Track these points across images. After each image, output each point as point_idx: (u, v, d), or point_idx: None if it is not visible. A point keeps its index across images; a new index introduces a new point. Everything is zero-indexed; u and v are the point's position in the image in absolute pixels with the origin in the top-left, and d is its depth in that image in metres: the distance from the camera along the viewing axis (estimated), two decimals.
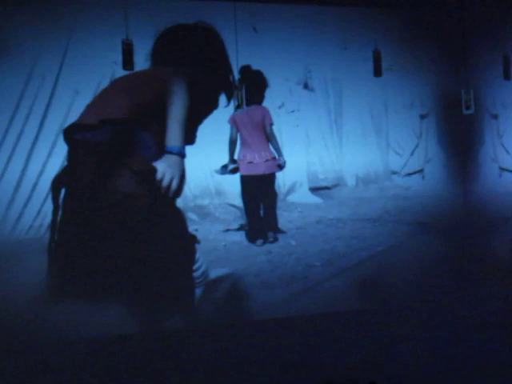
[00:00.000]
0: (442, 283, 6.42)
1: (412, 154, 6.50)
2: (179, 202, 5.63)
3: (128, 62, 5.50)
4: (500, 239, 6.77)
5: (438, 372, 6.34)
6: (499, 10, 6.77)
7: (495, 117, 6.75)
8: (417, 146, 6.51)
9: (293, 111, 6.14)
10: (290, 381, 5.89)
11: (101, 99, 5.20)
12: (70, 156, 4.93)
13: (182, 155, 5.23)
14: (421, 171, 6.53)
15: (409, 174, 6.50)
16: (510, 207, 6.78)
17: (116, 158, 4.99)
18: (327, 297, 6.18)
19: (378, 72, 6.51)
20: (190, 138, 5.39)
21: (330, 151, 6.28)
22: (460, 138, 6.63)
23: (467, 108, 6.68)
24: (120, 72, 5.47)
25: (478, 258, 6.65)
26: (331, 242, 6.20)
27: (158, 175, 5.03)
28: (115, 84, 5.33)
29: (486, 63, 6.75)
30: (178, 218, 5.40)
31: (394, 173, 6.46)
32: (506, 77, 6.99)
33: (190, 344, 5.59)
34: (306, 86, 6.19)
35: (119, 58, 5.50)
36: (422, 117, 6.53)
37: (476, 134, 6.70)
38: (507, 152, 6.79)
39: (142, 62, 5.53)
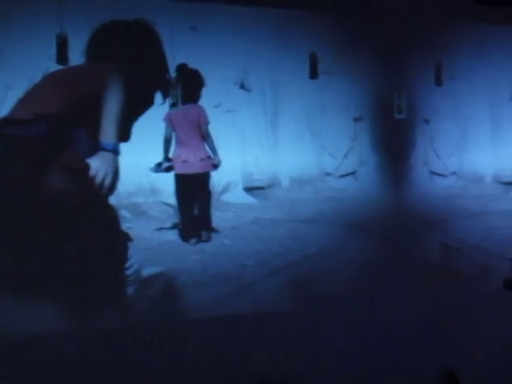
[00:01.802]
0: (374, 285, 6.52)
1: (346, 156, 6.58)
2: (112, 200, 5.57)
3: (62, 57, 5.43)
4: (430, 241, 6.92)
5: (369, 373, 6.45)
6: (433, 17, 6.92)
7: (427, 122, 6.89)
8: (351, 148, 6.59)
9: (229, 111, 6.14)
10: (222, 381, 5.90)
11: (34, 94, 5.12)
12: (1, 151, 4.85)
13: (117, 152, 5.19)
14: (354, 173, 6.61)
15: (343, 176, 6.57)
16: (439, 210, 6.93)
17: (49, 153, 4.93)
18: (261, 297, 6.20)
19: (314, 74, 6.58)
20: (124, 135, 5.36)
21: (266, 152, 6.30)
22: (393, 141, 6.75)
23: (399, 112, 6.82)
24: (54, 67, 5.40)
25: (409, 259, 6.78)
26: (265, 242, 6.22)
27: (92, 172, 4.99)
28: (49, 78, 5.26)
29: (418, 68, 6.88)
30: (111, 215, 5.35)
31: (328, 174, 6.52)
32: (438, 82, 7.17)
33: (119, 343, 5.54)
34: (242, 86, 6.20)
35: (53, 52, 5.43)
36: (357, 120, 6.62)
37: (408, 137, 6.82)
38: (438, 156, 6.94)
39: (76, 57, 5.46)
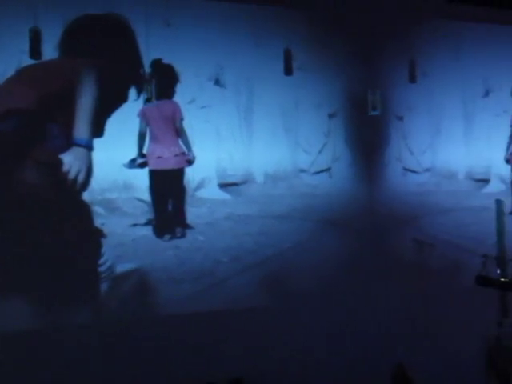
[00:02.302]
0: (348, 280, 6.55)
1: (320, 152, 6.60)
2: (86, 196, 5.55)
3: (35, 51, 5.38)
4: (403, 237, 6.98)
5: (342, 367, 6.49)
6: (407, 15, 6.96)
7: (400, 118, 6.94)
8: (325, 144, 6.61)
9: (203, 107, 6.13)
10: (196, 377, 5.90)
11: (6, 88, 5.09)
12: None
13: (90, 148, 5.18)
14: (328, 170, 6.64)
15: (317, 173, 6.59)
16: (412, 207, 6.99)
17: (21, 148, 4.90)
18: (234, 293, 6.20)
19: (288, 71, 6.59)
20: (98, 130, 5.34)
21: (240, 148, 6.30)
22: (366, 138, 6.78)
23: (373, 109, 6.86)
24: (27, 61, 5.33)
25: (382, 255, 6.83)
26: (239, 238, 6.22)
27: (65, 167, 4.97)
28: (22, 73, 5.22)
29: (392, 66, 6.92)
30: (84, 211, 5.33)
31: (303, 171, 6.54)
32: (412, 80, 7.22)
33: (93, 339, 5.52)
34: (217, 82, 6.19)
35: (27, 46, 5.37)
36: (331, 116, 6.64)
37: (382, 134, 6.87)
38: (411, 153, 6.99)
39: (50, 52, 5.40)
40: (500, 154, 7.52)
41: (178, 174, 6.03)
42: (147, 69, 5.83)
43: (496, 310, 6.16)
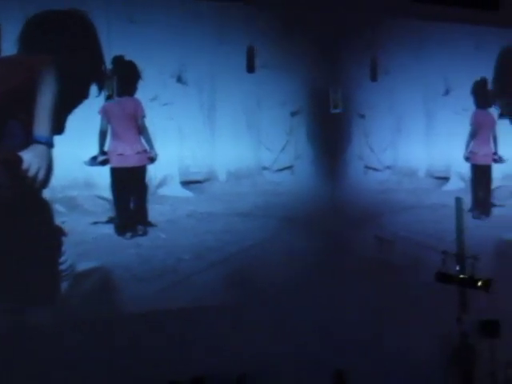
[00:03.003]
0: (310, 277, 6.59)
1: (283, 150, 6.62)
2: (46, 193, 5.50)
3: None
4: (365, 234, 7.04)
5: (302, 364, 6.53)
6: (369, 14, 7.01)
7: (362, 116, 6.99)
8: (287, 142, 6.64)
9: (166, 104, 6.11)
10: (158, 375, 5.88)
11: None
12: None
13: (50, 145, 5.13)
14: (291, 167, 6.66)
15: (279, 170, 6.61)
16: (373, 204, 7.05)
17: None
18: (197, 291, 6.20)
19: (251, 68, 6.60)
20: (58, 127, 5.29)
21: (203, 145, 6.29)
22: (328, 135, 6.82)
23: (335, 107, 6.90)
24: None
25: (344, 252, 6.87)
26: (201, 236, 6.22)
27: (24, 165, 4.92)
28: None
29: (354, 64, 6.97)
30: (44, 209, 5.28)
31: (265, 168, 6.55)
32: (373, 78, 7.27)
33: (53, 338, 5.48)
34: (179, 80, 6.17)
35: None
36: (293, 114, 6.67)
37: (344, 132, 6.91)
38: (372, 151, 7.05)
39: (10, 47, 5.33)
40: (460, 152, 7.63)
41: (140, 171, 6.01)
42: (109, 65, 5.80)
43: (455, 306, 6.28)
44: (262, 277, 6.47)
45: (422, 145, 7.37)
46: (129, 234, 5.94)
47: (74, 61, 5.31)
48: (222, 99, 6.41)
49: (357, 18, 6.96)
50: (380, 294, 6.87)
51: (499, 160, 7.89)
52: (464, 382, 6.92)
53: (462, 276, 5.58)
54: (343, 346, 6.58)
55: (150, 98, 6.02)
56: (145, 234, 6.01)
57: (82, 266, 5.73)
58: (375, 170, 7.09)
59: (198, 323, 6.11)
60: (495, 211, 7.83)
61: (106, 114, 5.84)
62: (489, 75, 7.82)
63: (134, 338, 5.83)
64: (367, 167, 7.03)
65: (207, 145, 6.33)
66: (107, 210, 5.87)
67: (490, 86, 7.81)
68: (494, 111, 7.86)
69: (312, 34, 6.75)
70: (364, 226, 6.99)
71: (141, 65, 5.97)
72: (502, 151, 7.88)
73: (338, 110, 6.80)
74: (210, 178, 6.32)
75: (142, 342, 5.86)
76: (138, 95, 5.98)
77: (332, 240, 6.80)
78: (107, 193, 5.84)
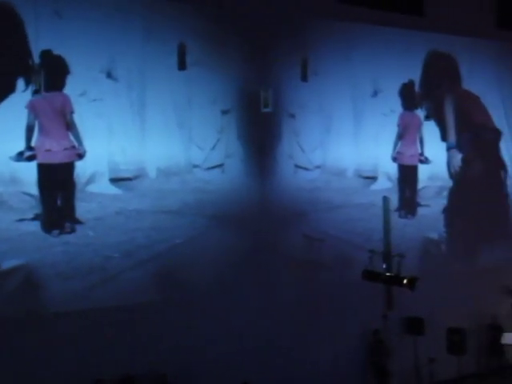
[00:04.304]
0: (239, 275, 6.61)
1: (213, 148, 6.63)
2: None
3: None
4: (294, 233, 7.10)
5: (234, 360, 6.55)
6: (299, 15, 7.08)
7: (292, 116, 7.06)
8: (218, 140, 6.65)
9: (95, 100, 6.03)
10: (85, 374, 5.81)
11: None
12: None
13: None
14: (221, 166, 6.67)
15: (209, 168, 6.62)
16: (303, 202, 7.12)
17: None
18: (126, 289, 6.15)
19: (182, 65, 6.57)
20: None
21: (133, 142, 6.24)
22: (259, 134, 6.86)
23: (266, 106, 6.94)
24: None
25: (274, 250, 6.92)
26: (130, 233, 6.18)
27: None
28: None
29: (285, 64, 7.03)
30: None
31: (196, 166, 6.55)
32: (304, 78, 7.34)
33: None
34: (109, 75, 6.11)
35: None
36: (224, 112, 6.68)
37: (274, 131, 6.97)
38: (302, 150, 7.12)
39: None
40: (387, 153, 7.79)
41: (68, 167, 5.92)
42: (36, 59, 5.70)
43: (382, 303, 6.40)
44: (191, 274, 6.47)
45: (351, 145, 7.48)
46: (56, 232, 5.86)
47: (0, 54, 5.19)
48: (153, 96, 6.37)
49: (288, 19, 7.02)
50: (308, 292, 6.96)
51: (425, 161, 8.11)
52: (379, 376, 7.07)
53: (388, 274, 5.67)
54: (263, 346, 6.66)
55: (79, 94, 5.94)
56: (72, 231, 5.93)
57: (7, 263, 5.64)
58: (305, 169, 7.16)
59: (126, 322, 6.07)
60: (421, 211, 8.05)
61: (33, 109, 5.73)
62: (416, 78, 8.04)
63: (59, 337, 5.77)
64: (297, 166, 7.10)
65: (137, 142, 6.29)
66: (33, 207, 5.77)
67: (416, 88, 8.03)
68: (420, 113, 8.07)
69: (243, 33, 6.78)
70: (293, 225, 7.06)
71: (69, 59, 5.89)
72: (428, 152, 8.12)
73: (268, 110, 6.85)
74: (139, 175, 6.27)
75: (67, 341, 5.79)
76: (67, 90, 5.89)
77: (261, 238, 6.85)
78: (34, 189, 5.74)
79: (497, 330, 8.04)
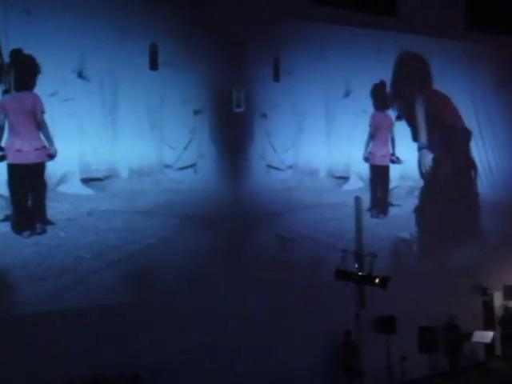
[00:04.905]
0: (211, 275, 6.60)
1: (185, 148, 6.62)
2: None
3: None
4: (266, 232, 7.11)
5: (203, 361, 6.55)
6: (272, 15, 7.09)
7: (264, 116, 7.07)
8: (190, 140, 6.64)
9: (66, 100, 6.00)
10: (56, 375, 5.77)
11: None
12: None
13: None
14: (193, 166, 6.67)
15: (182, 168, 6.61)
16: (275, 203, 7.14)
17: None
18: (97, 289, 6.12)
19: (154, 65, 6.56)
20: None
21: (104, 142, 6.21)
22: (231, 134, 6.87)
23: (238, 106, 6.95)
24: None
25: (246, 250, 6.93)
26: (102, 234, 6.15)
27: None
28: None
29: (257, 64, 7.04)
30: None
31: (168, 166, 6.54)
32: (276, 78, 7.36)
33: None
34: (80, 75, 6.08)
35: None
36: (196, 112, 6.68)
37: (246, 131, 6.98)
38: (275, 150, 7.13)
39: None
40: (359, 153, 7.83)
41: (39, 168, 5.89)
42: (6, 59, 5.66)
43: (354, 302, 6.43)
44: (163, 275, 6.46)
45: (323, 145, 7.51)
46: (27, 233, 5.82)
47: None
48: (125, 96, 6.35)
49: (260, 19, 7.03)
50: (281, 291, 6.96)
51: (396, 161, 8.17)
52: (349, 376, 7.11)
53: (360, 273, 5.71)
54: (235, 346, 6.66)
55: (50, 94, 5.91)
56: (43, 232, 5.90)
57: None
58: (277, 169, 7.18)
59: (98, 322, 6.05)
60: (392, 210, 8.11)
61: (3, 108, 5.70)
62: (387, 78, 8.10)
63: (30, 339, 5.73)
64: (269, 166, 7.12)
65: (109, 142, 6.27)
66: (4, 208, 5.74)
67: (388, 88, 8.08)
68: (391, 113, 8.13)
69: (216, 32, 6.78)
70: (265, 225, 7.07)
71: (40, 59, 5.85)
72: (399, 152, 8.18)
73: (240, 109, 6.86)
74: (111, 176, 6.25)
75: (39, 343, 5.75)
76: (37, 90, 5.86)
77: (233, 239, 6.85)
78: (4, 190, 5.71)
79: (453, 330, 8.04)
